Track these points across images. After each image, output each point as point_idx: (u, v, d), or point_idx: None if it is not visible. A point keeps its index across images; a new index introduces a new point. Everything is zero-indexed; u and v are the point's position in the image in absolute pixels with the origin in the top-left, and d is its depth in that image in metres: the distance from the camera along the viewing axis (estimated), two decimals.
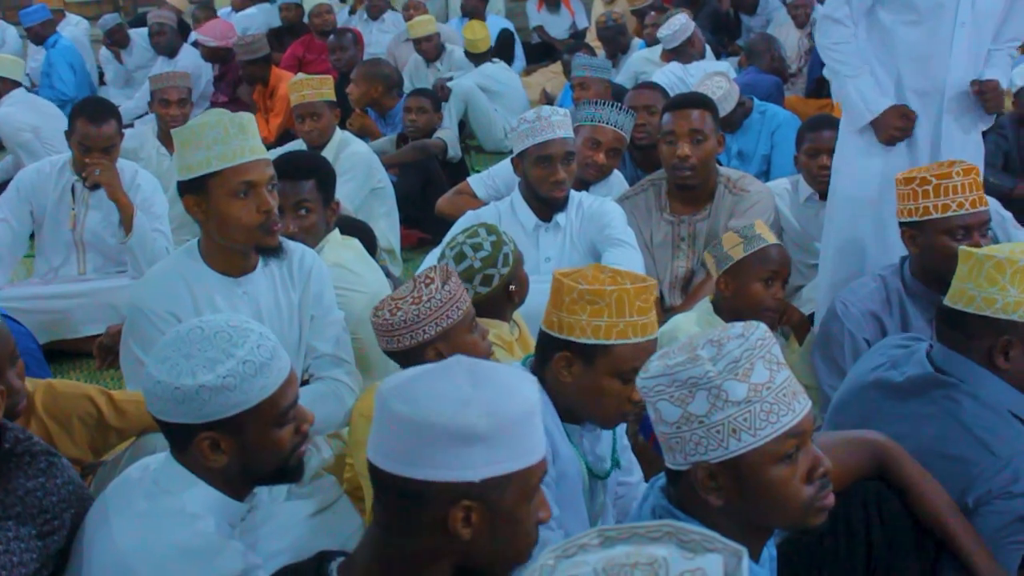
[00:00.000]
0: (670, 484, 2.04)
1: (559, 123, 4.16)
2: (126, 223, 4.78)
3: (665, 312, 4.29)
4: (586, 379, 2.58)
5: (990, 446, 2.46)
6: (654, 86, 5.69)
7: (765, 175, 5.66)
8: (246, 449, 2.18)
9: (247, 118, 3.11)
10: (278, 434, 2.21)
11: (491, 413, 1.71)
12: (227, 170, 3.02)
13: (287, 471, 2.29)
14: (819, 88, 8.01)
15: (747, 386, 1.84)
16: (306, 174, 3.75)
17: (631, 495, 3.05)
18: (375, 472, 1.79)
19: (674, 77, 6.35)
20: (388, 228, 5.66)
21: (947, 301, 2.62)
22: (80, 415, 2.87)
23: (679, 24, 7.49)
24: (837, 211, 4.13)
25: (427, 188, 6.32)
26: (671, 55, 7.44)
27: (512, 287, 3.44)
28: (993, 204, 4.47)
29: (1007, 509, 2.46)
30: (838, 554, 2.47)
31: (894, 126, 3.93)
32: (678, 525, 1.40)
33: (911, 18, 3.88)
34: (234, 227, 3.07)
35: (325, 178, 3.83)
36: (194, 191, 3.06)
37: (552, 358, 2.60)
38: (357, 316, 3.58)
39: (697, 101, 4.56)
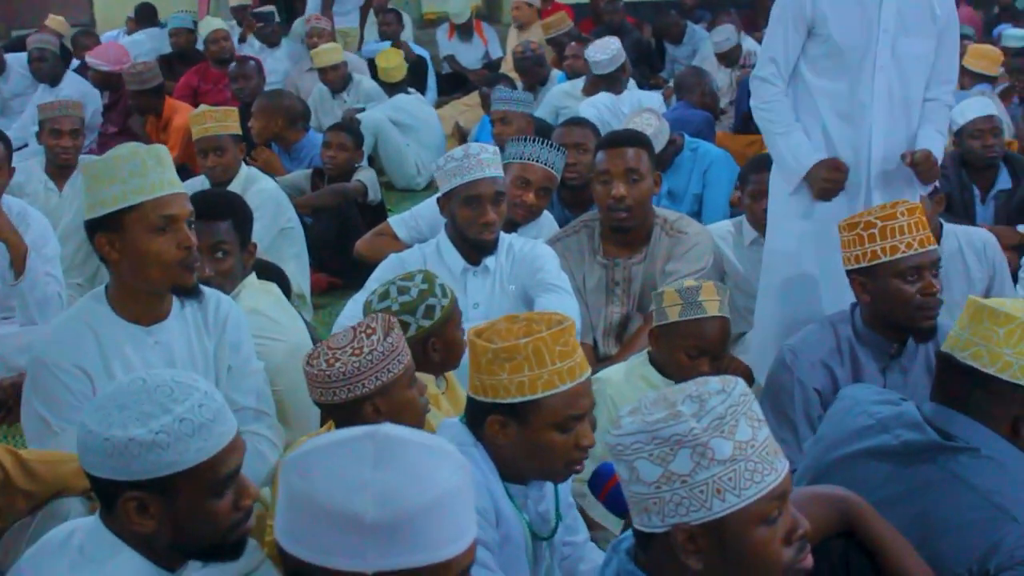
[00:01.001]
0: (639, 548, 2.05)
1: (488, 161, 4.16)
2: (17, 264, 4.68)
3: (600, 361, 4.31)
4: (524, 438, 2.59)
5: (1010, 512, 2.48)
6: (584, 122, 5.74)
7: (697, 215, 5.73)
8: (176, 516, 2.14)
9: (163, 150, 3.13)
10: (214, 505, 2.17)
11: (385, 502, 1.63)
12: (146, 204, 3.01)
13: (223, 548, 2.24)
14: (747, 124, 8.14)
15: (732, 444, 1.87)
16: (222, 214, 3.73)
17: (577, 555, 3.06)
18: (278, 544, 1.73)
19: (604, 110, 6.41)
20: (298, 271, 5.62)
21: (973, 363, 2.59)
22: None
23: (615, 49, 7.53)
24: (773, 266, 4.27)
25: (343, 234, 6.30)
26: (599, 83, 7.51)
27: (433, 344, 3.40)
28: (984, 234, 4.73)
29: None
30: None
31: (824, 178, 4.04)
32: None
33: (831, 68, 4.03)
34: (152, 265, 3.04)
35: (242, 218, 3.82)
36: (107, 228, 3.03)
37: (484, 423, 2.61)
38: (276, 366, 3.56)
39: (632, 139, 4.61)
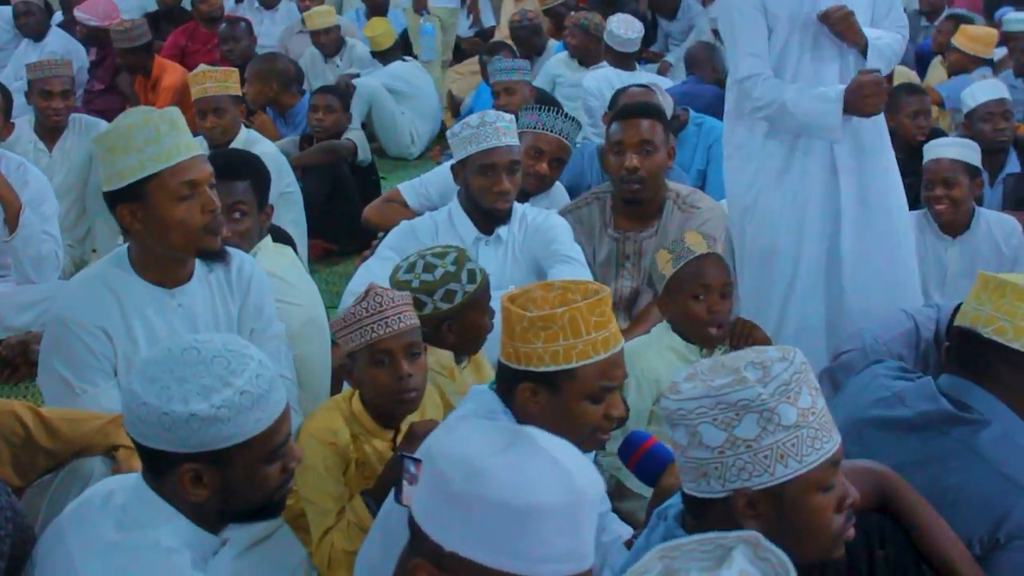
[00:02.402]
0: (690, 513, 2.11)
1: (505, 129, 4.21)
2: (10, 220, 4.68)
3: None
4: (555, 407, 2.63)
5: (1020, 482, 2.57)
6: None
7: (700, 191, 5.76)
8: (230, 484, 2.18)
9: (176, 113, 3.12)
10: (266, 471, 2.21)
11: (472, 478, 1.65)
12: (165, 171, 3.01)
13: (267, 509, 2.29)
14: None
15: (796, 410, 1.95)
16: (240, 174, 3.75)
17: (599, 526, 3.10)
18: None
19: (608, 87, 6.44)
20: (296, 237, 5.61)
21: (998, 337, 2.67)
22: (4, 434, 2.80)
23: (639, 30, 7.66)
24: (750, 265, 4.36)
25: (334, 194, 6.35)
26: (620, 59, 7.59)
27: (449, 327, 3.44)
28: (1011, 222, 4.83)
29: None
30: None
31: (865, 93, 3.98)
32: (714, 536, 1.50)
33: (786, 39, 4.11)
34: (177, 232, 3.05)
35: (261, 179, 3.85)
36: (127, 199, 3.03)
37: (516, 390, 2.65)
38: (293, 331, 3.60)
39: (647, 110, 4.66)
